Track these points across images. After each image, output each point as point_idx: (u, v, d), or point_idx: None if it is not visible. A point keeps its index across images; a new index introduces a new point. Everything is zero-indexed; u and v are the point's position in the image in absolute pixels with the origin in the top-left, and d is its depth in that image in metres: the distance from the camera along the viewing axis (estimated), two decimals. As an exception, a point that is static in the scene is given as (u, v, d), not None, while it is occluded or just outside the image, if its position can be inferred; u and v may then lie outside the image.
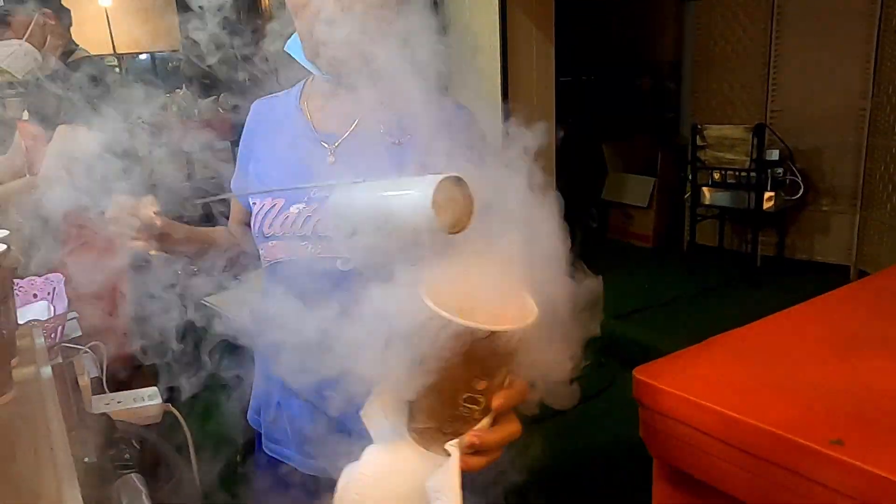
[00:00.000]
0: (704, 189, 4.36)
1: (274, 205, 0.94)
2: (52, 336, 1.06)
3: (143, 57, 8.27)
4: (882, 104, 3.97)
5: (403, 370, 0.54)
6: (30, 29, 1.99)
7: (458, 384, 0.55)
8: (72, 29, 2.15)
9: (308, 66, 0.95)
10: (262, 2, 6.33)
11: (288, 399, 0.98)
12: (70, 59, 2.10)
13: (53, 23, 2.05)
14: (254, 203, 0.97)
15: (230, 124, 5.71)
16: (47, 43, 2.04)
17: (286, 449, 1.00)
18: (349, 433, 0.96)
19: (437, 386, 0.55)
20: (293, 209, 0.93)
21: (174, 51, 9.14)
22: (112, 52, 7.40)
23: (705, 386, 1.02)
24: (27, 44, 1.99)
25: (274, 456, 1.01)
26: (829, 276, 4.20)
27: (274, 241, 0.95)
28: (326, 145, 0.96)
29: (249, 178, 1.01)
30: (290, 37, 1.00)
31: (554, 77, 4.27)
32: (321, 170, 0.94)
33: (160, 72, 9.33)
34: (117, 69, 7.91)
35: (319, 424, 0.97)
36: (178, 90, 5.91)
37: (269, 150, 1.00)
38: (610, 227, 5.50)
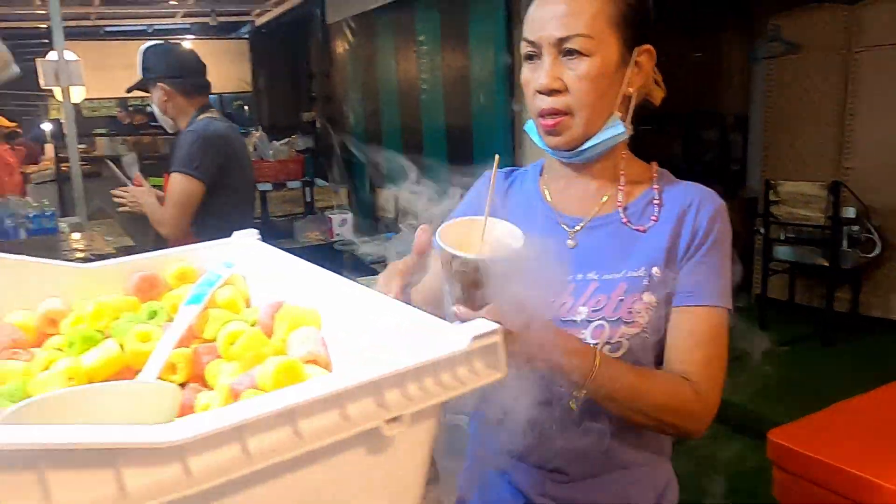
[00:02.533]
0: (776, 244, 4.36)
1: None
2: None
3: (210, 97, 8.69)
4: (961, 164, 3.94)
5: None
6: None
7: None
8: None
9: (541, 145, 0.92)
10: (333, 50, 6.66)
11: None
12: None
13: None
14: None
15: (302, 164, 5.96)
16: None
17: None
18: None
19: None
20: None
21: (244, 92, 9.62)
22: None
23: (839, 449, 1.08)
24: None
25: None
26: (906, 335, 4.13)
27: None
28: (567, 228, 0.94)
29: None
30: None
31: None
32: (561, 253, 0.92)
33: (231, 113, 9.78)
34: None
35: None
36: (254, 131, 6.22)
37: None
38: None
